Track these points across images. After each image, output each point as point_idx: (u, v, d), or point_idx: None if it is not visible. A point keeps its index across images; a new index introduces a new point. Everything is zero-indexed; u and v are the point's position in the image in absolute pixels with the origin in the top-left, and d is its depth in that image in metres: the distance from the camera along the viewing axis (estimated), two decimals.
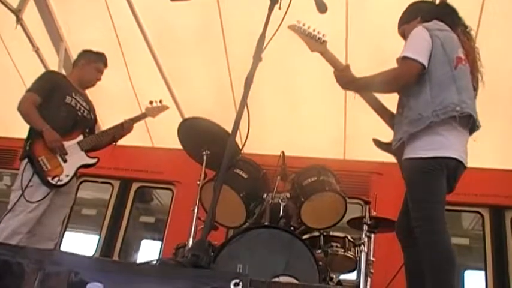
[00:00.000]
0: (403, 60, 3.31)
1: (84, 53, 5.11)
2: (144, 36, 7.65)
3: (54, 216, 4.60)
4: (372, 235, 4.84)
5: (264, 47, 2.80)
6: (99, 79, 5.06)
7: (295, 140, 7.82)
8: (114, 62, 7.90)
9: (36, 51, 8.16)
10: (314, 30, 3.85)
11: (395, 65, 3.45)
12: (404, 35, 3.61)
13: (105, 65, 5.08)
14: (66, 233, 7.76)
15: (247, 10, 6.50)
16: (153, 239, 8.84)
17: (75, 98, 4.74)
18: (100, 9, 7.67)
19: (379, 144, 3.64)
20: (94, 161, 4.74)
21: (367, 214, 4.66)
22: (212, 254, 3.92)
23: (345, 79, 3.61)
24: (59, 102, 4.64)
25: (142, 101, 7.02)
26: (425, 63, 3.27)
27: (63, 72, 5.16)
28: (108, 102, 8.17)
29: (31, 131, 4.53)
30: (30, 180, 4.31)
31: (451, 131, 3.22)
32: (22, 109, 4.52)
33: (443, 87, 3.25)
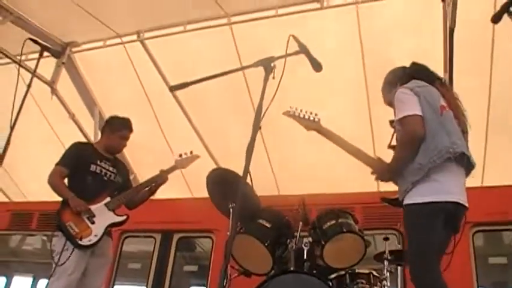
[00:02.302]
0: (403, 120, 3.56)
1: (110, 120, 5.42)
2: (172, 92, 8.01)
3: (94, 278, 4.88)
4: (399, 267, 5.05)
5: (261, 117, 3.04)
6: (124, 145, 5.35)
7: (327, 176, 8.08)
8: (147, 119, 8.39)
9: (72, 117, 8.65)
10: (307, 112, 4.22)
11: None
12: (390, 103, 3.87)
13: (130, 130, 5.31)
14: (115, 287, 8.12)
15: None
16: (200, 285, 9.06)
17: (100, 165, 5.05)
18: (128, 71, 8.11)
19: (388, 201, 3.85)
20: (122, 218, 4.95)
21: (387, 249, 4.85)
22: None
23: (383, 176, 3.83)
24: (85, 171, 4.97)
25: (175, 150, 7.39)
26: (421, 113, 3.52)
27: (99, 135, 5.48)
28: (145, 157, 8.58)
29: (62, 202, 4.83)
30: (64, 245, 4.59)
31: (447, 176, 3.44)
32: (50, 181, 4.87)
33: (434, 134, 3.47)
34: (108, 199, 4.94)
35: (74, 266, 4.60)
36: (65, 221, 4.69)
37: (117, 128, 5.26)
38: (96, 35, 7.86)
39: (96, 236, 4.72)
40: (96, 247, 4.81)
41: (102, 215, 4.84)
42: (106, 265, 5.10)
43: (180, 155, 5.49)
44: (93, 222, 4.75)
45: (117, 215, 4.95)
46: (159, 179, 5.26)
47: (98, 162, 5.07)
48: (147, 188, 5.30)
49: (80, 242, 4.64)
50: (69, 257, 4.56)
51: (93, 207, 4.81)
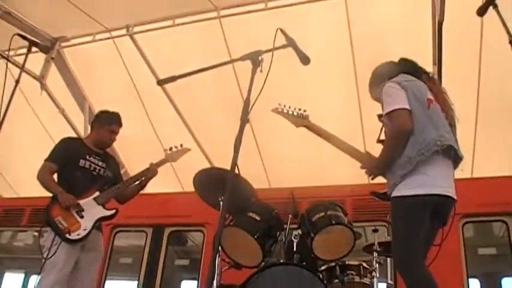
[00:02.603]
0: (391, 114, 3.57)
1: (99, 115, 5.41)
2: (162, 86, 8.02)
3: (86, 273, 4.87)
4: (388, 259, 5.08)
5: (249, 110, 3.05)
6: (113, 140, 5.30)
7: (319, 171, 8.12)
8: (136, 113, 8.40)
9: (62, 112, 8.65)
10: (295, 109, 4.23)
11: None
12: (378, 99, 3.89)
13: (119, 124, 5.29)
14: (107, 282, 8.12)
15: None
16: (192, 279, 9.08)
17: (89, 160, 5.03)
18: (118, 66, 8.12)
19: (377, 195, 3.88)
20: (111, 212, 4.92)
21: (376, 241, 4.89)
22: None
23: (372, 170, 3.86)
24: (74, 166, 4.94)
25: (166, 144, 7.40)
26: (409, 107, 3.54)
27: (89, 130, 5.46)
28: (136, 151, 8.59)
29: (52, 198, 4.81)
30: (53, 240, 4.58)
31: (435, 169, 3.46)
32: (39, 177, 4.86)
33: (421, 127, 3.50)
34: (97, 193, 4.92)
35: (64, 260, 4.60)
36: (54, 216, 4.69)
37: (106, 122, 5.23)
38: (85, 29, 7.87)
39: (85, 230, 4.72)
40: (87, 242, 4.81)
41: (91, 209, 4.83)
42: (97, 260, 5.08)
43: (170, 148, 5.49)
44: (82, 217, 4.74)
45: (106, 209, 4.93)
46: (149, 173, 5.24)
47: (87, 157, 5.05)
48: (137, 182, 5.28)
49: (68, 237, 4.63)
50: (56, 251, 4.56)
51: (82, 202, 4.80)
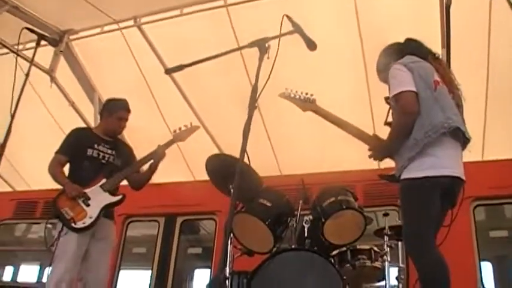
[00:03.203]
0: (397, 96, 3.57)
1: (107, 103, 5.42)
2: (171, 76, 8.05)
3: (98, 262, 4.90)
4: (399, 242, 5.10)
5: (257, 97, 3.08)
6: (123, 126, 5.30)
7: (329, 156, 8.13)
8: (146, 103, 8.43)
9: (72, 105, 8.70)
10: (302, 93, 4.23)
11: None
12: (385, 80, 3.88)
13: (127, 110, 5.29)
14: (121, 271, 8.20)
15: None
16: (204, 267, 9.15)
17: (97, 149, 5.04)
18: (126, 57, 8.13)
19: (385, 177, 3.89)
20: (118, 198, 4.95)
21: (387, 224, 4.91)
22: (245, 280, 4.30)
23: (380, 153, 3.87)
24: (82, 156, 4.97)
25: (174, 129, 7.41)
26: (415, 89, 3.54)
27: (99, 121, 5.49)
28: (145, 141, 8.60)
29: (61, 189, 4.87)
30: (60, 231, 4.66)
31: (443, 150, 3.47)
32: (50, 170, 4.92)
33: (428, 109, 3.50)
34: (103, 180, 4.94)
35: (73, 249, 4.65)
36: (60, 207, 4.73)
37: (114, 110, 5.24)
38: (93, 21, 7.88)
39: (91, 217, 4.74)
40: (97, 231, 4.86)
41: (97, 197, 4.85)
42: (108, 249, 5.09)
43: (179, 129, 5.42)
44: (88, 205, 4.77)
45: (113, 195, 4.95)
46: (156, 155, 5.20)
47: (95, 146, 5.07)
48: (147, 166, 5.29)
49: (74, 226, 4.67)
50: (58, 240, 4.64)
51: (88, 190, 4.83)
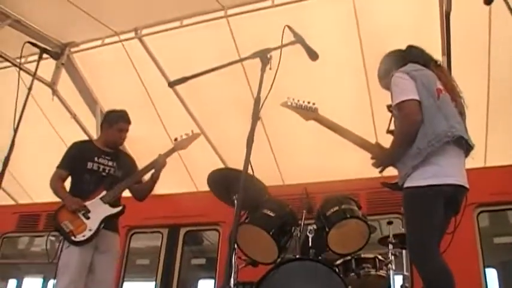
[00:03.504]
0: (400, 105, 3.57)
1: (107, 115, 5.45)
2: (172, 88, 7.97)
3: (102, 274, 4.91)
4: (403, 251, 5.10)
5: (260, 107, 3.09)
6: (123, 137, 5.30)
7: (331, 165, 8.13)
8: (148, 115, 8.44)
9: (74, 117, 8.71)
10: (304, 102, 4.23)
11: None
12: (387, 87, 3.89)
13: (128, 121, 5.30)
14: (125, 283, 8.19)
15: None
16: (208, 278, 9.13)
17: (97, 162, 5.06)
18: (127, 68, 8.14)
19: (387, 185, 3.85)
20: (118, 209, 4.96)
21: (391, 233, 4.90)
22: None
23: (382, 162, 3.86)
24: (82, 169, 5.00)
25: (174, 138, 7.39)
26: (418, 98, 3.53)
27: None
28: (147, 153, 8.60)
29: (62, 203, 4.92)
30: (62, 244, 4.72)
31: (446, 159, 3.46)
32: (51, 185, 4.98)
33: (431, 118, 3.50)
34: (103, 193, 4.94)
35: (76, 262, 4.68)
36: (60, 220, 4.76)
37: (114, 121, 5.25)
38: (93, 34, 7.89)
39: (90, 230, 4.75)
40: (100, 243, 4.88)
41: (97, 209, 4.86)
42: (112, 261, 5.11)
43: (181, 136, 5.41)
44: (88, 218, 4.79)
45: (113, 207, 4.95)
46: (157, 164, 5.18)
47: (96, 159, 5.09)
48: (148, 176, 5.28)
49: (73, 239, 4.69)
50: (60, 253, 4.71)
51: (88, 203, 4.85)
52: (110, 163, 5.15)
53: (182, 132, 5.47)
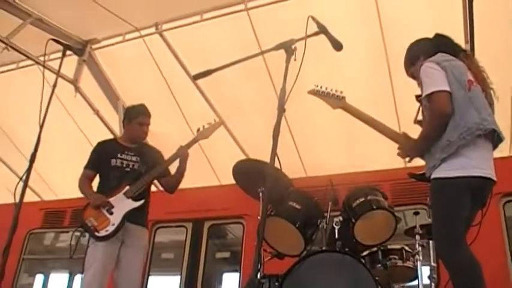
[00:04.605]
0: (431, 96, 3.52)
1: (127, 110, 5.55)
2: (194, 82, 8.05)
3: (129, 269, 4.99)
4: (430, 241, 5.05)
5: (286, 99, 3.08)
6: (145, 131, 5.35)
7: (354, 157, 8.09)
8: (170, 110, 8.46)
9: (97, 113, 8.77)
10: (332, 90, 4.18)
11: None
12: (414, 76, 3.84)
13: (147, 115, 5.35)
14: (150, 277, 8.24)
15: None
16: (233, 271, 9.15)
17: (120, 158, 5.15)
18: (149, 64, 8.16)
19: (414, 176, 3.85)
20: (140, 203, 5.00)
21: (417, 223, 4.86)
22: (277, 283, 4.29)
23: (409, 152, 3.83)
24: (107, 167, 5.12)
25: (202, 142, 7.38)
26: (449, 89, 3.48)
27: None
28: (170, 148, 8.64)
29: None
30: (88, 240, 4.86)
31: (475, 151, 3.42)
32: (78, 185, 5.14)
33: (463, 110, 3.45)
34: (127, 188, 5.00)
35: (101, 256, 4.80)
36: (85, 217, 4.89)
37: (134, 116, 5.32)
38: (115, 30, 7.92)
39: (113, 225, 4.84)
40: (126, 237, 4.97)
41: (120, 204, 4.92)
42: (140, 255, 5.13)
43: (203, 126, 5.41)
44: (111, 213, 4.87)
45: (136, 201, 5.00)
46: (180, 155, 5.21)
47: (119, 155, 5.17)
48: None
49: (97, 234, 4.81)
50: (87, 248, 4.84)
51: (112, 199, 4.93)
52: (134, 158, 5.21)
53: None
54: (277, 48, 3.23)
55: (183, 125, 8.66)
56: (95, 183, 5.23)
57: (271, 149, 2.90)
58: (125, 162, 5.16)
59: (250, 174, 4.88)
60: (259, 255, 2.68)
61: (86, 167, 5.21)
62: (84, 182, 5.14)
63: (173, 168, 5.38)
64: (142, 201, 5.02)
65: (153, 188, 5.34)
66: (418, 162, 3.83)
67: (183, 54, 7.96)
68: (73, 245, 4.86)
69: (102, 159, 5.18)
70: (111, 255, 4.88)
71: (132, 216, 4.96)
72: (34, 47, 7.46)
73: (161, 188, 5.63)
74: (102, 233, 4.80)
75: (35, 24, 7.47)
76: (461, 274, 3.26)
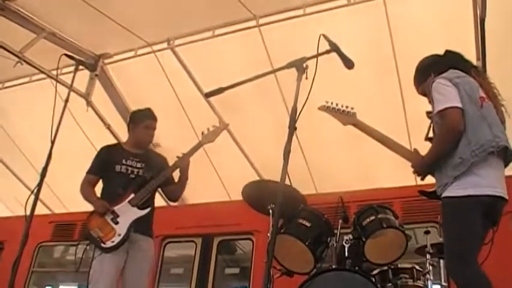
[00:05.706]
0: (443, 113, 3.50)
1: (131, 115, 5.45)
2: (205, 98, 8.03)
3: (135, 279, 4.89)
4: (441, 260, 5.00)
5: (296, 118, 3.08)
6: (151, 135, 5.26)
7: (364, 174, 8.07)
8: (181, 126, 8.48)
9: (108, 128, 8.81)
10: (342, 106, 4.17)
11: None
12: (424, 93, 3.83)
13: (153, 118, 5.26)
14: None
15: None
16: (244, 287, 9.09)
17: (125, 164, 5.03)
18: (160, 79, 8.22)
19: (424, 193, 3.81)
20: (146, 211, 4.89)
21: (428, 242, 4.82)
22: None
23: (420, 168, 3.79)
24: (111, 173, 5.00)
25: (211, 154, 7.40)
26: (461, 106, 3.46)
27: None
28: None
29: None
30: (94, 251, 4.74)
31: (487, 170, 3.40)
32: (80, 190, 5.03)
33: (476, 127, 3.43)
34: (132, 196, 4.90)
35: (108, 268, 4.70)
36: (91, 228, 4.79)
37: (140, 119, 5.23)
38: (127, 45, 7.99)
39: (119, 235, 4.74)
40: (131, 248, 4.87)
41: (126, 213, 4.83)
42: (145, 265, 5.04)
43: (208, 129, 5.34)
44: (116, 223, 4.78)
45: (141, 209, 4.90)
46: (181, 163, 5.11)
47: (124, 161, 5.06)
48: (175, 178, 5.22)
49: (103, 245, 4.71)
50: (93, 261, 4.73)
51: (117, 208, 4.83)
52: (139, 165, 5.10)
53: (215, 142, 5.40)
54: (288, 66, 3.25)
55: (194, 140, 8.62)
56: (98, 189, 5.12)
57: (282, 168, 2.90)
58: (129, 168, 5.06)
59: (261, 194, 4.86)
60: (269, 273, 2.65)
61: (88, 172, 5.10)
62: (87, 187, 5.03)
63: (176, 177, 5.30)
64: (148, 210, 4.93)
65: (162, 203, 5.30)
66: (431, 180, 3.80)
67: (194, 69, 8.02)
68: (79, 258, 4.78)
69: (106, 164, 5.07)
70: (118, 267, 4.78)
71: (137, 226, 4.87)
72: (47, 60, 7.52)
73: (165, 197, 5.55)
74: (109, 244, 4.71)
75: (48, 38, 7.55)
76: None
